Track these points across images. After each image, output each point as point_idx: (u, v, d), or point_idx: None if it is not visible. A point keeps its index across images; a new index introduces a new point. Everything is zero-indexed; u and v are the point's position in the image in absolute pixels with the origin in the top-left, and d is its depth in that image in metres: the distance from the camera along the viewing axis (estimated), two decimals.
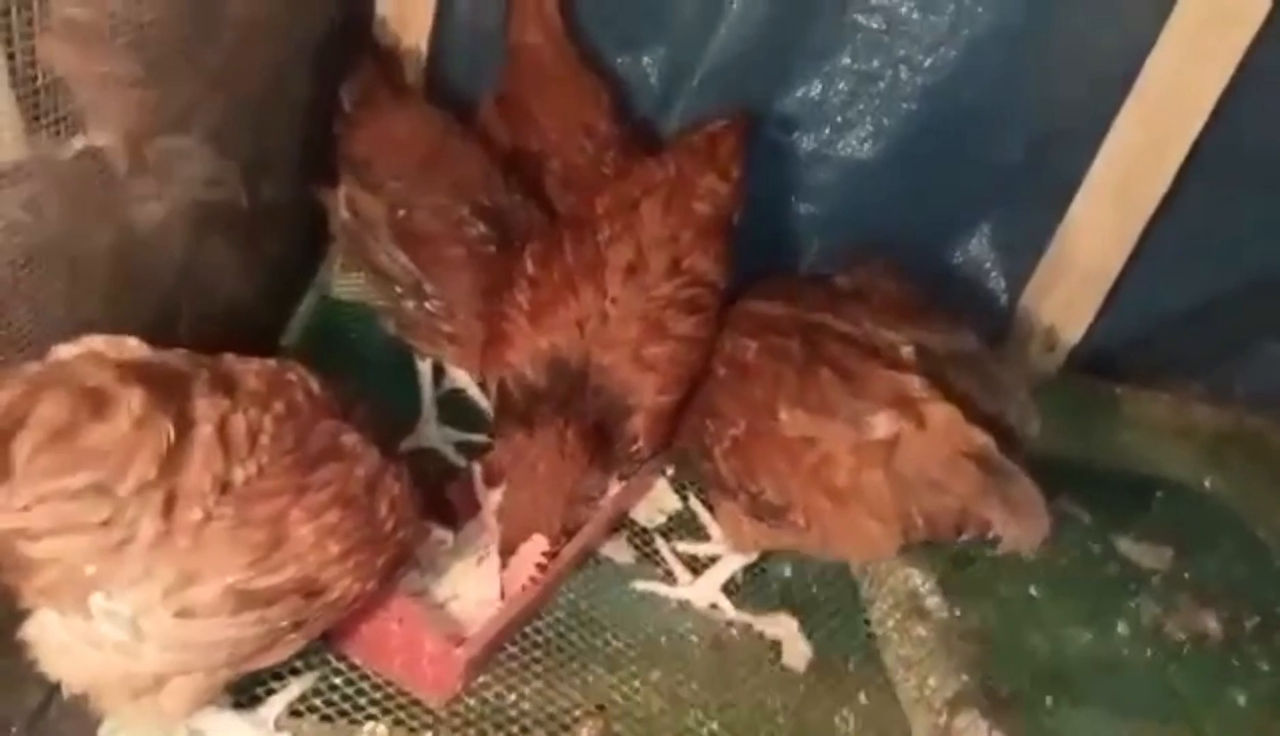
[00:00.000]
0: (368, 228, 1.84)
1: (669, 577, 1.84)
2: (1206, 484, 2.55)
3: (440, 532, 1.45)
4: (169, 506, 1.06)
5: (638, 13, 2.33)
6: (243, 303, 1.85)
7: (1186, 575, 2.21)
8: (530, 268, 1.69)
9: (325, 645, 1.46)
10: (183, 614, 1.08)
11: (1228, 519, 2.46)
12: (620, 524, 1.90)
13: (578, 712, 1.51)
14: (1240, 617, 2.13)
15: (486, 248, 1.79)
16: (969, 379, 1.66)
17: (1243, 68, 2.28)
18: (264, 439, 1.16)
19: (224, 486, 1.11)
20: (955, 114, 2.40)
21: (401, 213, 1.80)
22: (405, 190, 1.82)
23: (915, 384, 1.51)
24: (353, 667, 1.46)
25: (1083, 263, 2.52)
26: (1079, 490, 2.36)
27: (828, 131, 2.45)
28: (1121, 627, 2.02)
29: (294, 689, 1.39)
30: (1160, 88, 2.33)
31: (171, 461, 1.05)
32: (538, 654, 1.60)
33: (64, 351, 1.08)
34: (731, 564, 1.84)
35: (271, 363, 1.26)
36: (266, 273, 1.94)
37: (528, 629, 1.63)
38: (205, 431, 1.10)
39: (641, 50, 2.38)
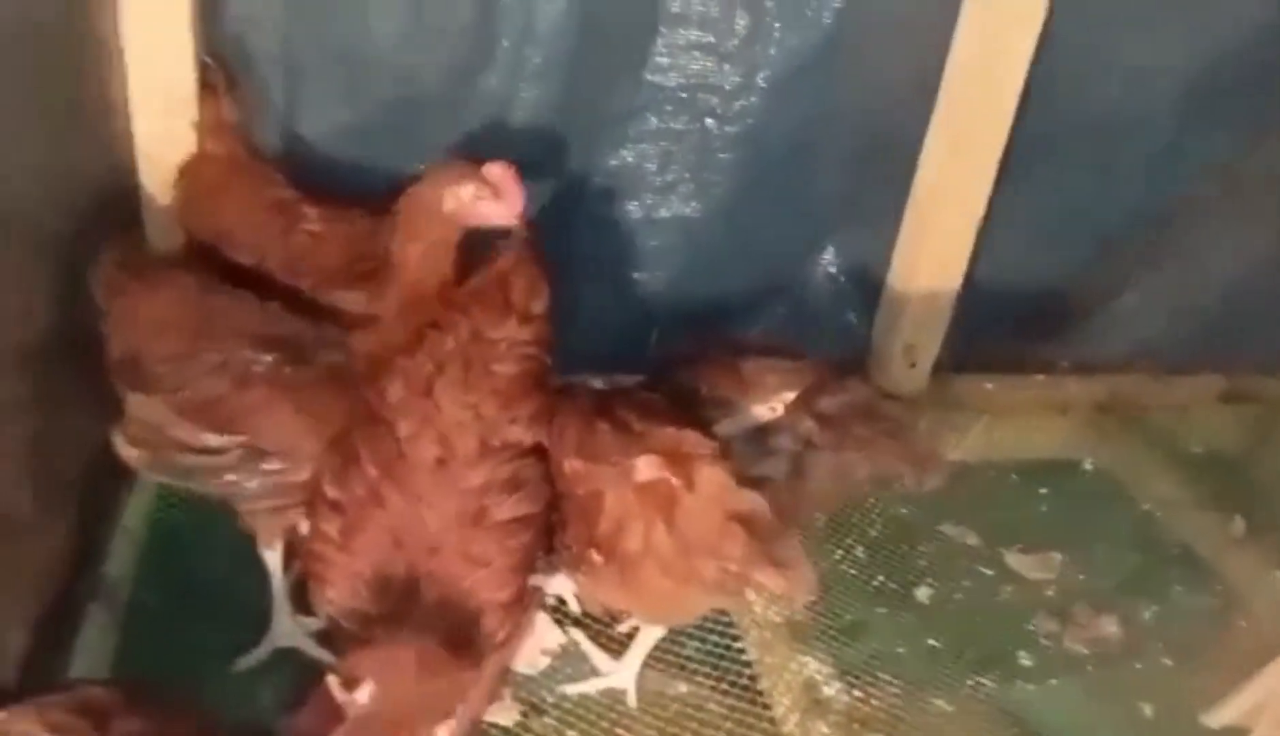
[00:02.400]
0: (161, 435, 1.71)
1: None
2: (1088, 465, 2.57)
3: None
4: None
5: (426, 114, 2.20)
6: (48, 534, 1.71)
7: (1080, 577, 2.22)
8: (330, 491, 1.56)
9: None
10: None
11: (1114, 498, 2.49)
12: (504, 683, 1.81)
13: None
14: (1138, 612, 2.15)
15: (284, 370, 1.68)
16: (870, 427, 1.78)
17: (1042, 42, 2.26)
18: None
19: None
20: (773, 154, 2.34)
21: (185, 392, 1.67)
22: (177, 369, 1.68)
23: (691, 439, 1.55)
24: None
25: (926, 271, 2.49)
26: (963, 506, 2.36)
27: (650, 197, 2.36)
28: (1024, 659, 2.01)
29: None
30: (965, 82, 2.30)
31: None
32: None
33: None
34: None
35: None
36: (69, 494, 1.80)
37: None
38: None
39: (439, 152, 2.26)
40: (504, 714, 1.77)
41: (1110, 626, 2.10)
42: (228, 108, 2.05)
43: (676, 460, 1.51)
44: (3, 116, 1.53)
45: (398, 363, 1.63)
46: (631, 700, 1.82)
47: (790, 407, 1.71)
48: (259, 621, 1.82)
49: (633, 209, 2.38)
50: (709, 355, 1.84)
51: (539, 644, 1.90)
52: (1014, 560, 2.23)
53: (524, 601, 1.61)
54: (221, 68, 2.05)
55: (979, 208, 2.41)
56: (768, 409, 1.72)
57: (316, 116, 2.15)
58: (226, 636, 1.80)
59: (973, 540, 2.27)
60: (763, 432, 1.73)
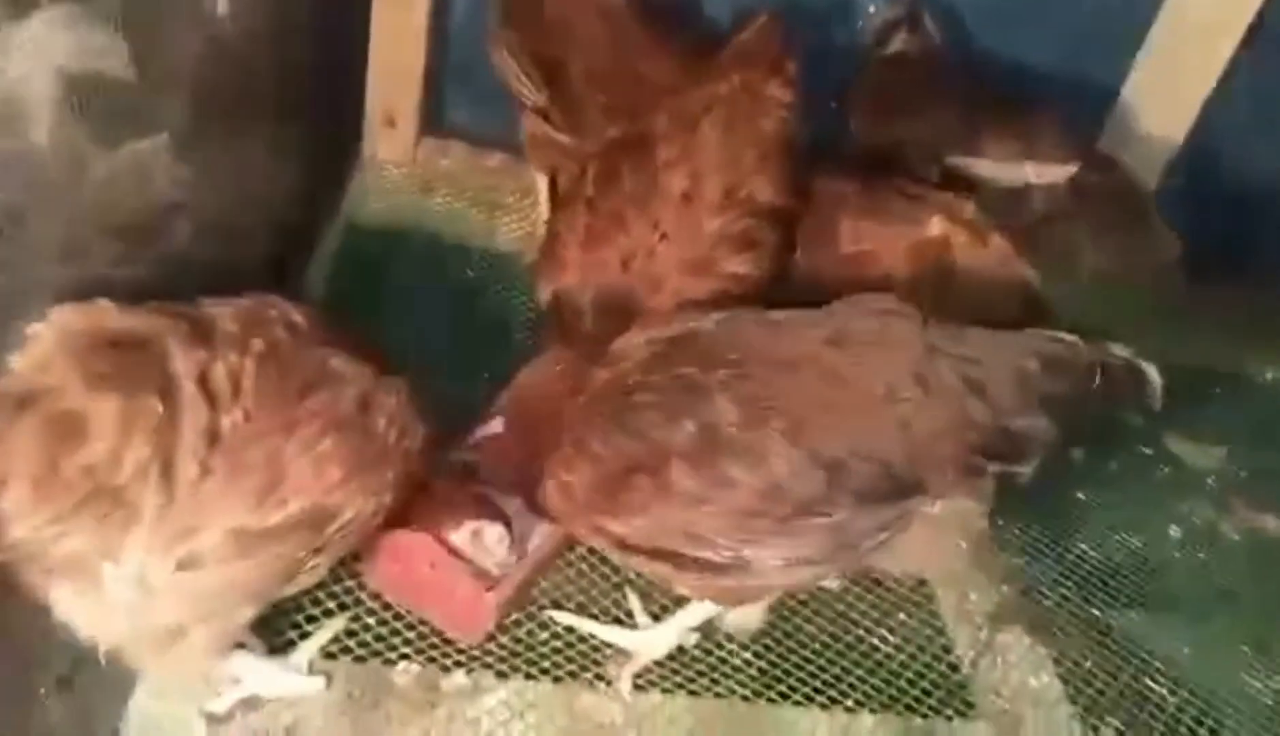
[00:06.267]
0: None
1: None
2: (1268, 376, 2.45)
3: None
4: (166, 472, 1.06)
5: None
6: (256, 233, 1.82)
7: (1242, 474, 2.13)
8: (589, 189, 1.63)
9: (357, 587, 1.47)
10: (186, 566, 1.08)
11: None
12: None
13: (609, 651, 1.51)
14: None
15: None
16: (1120, 212, 1.91)
17: None
18: (246, 382, 1.13)
19: (214, 437, 1.10)
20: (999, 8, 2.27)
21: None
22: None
23: (970, 208, 1.66)
24: (385, 608, 1.46)
25: (1136, 152, 2.38)
26: None
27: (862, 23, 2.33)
28: (1174, 531, 1.97)
29: (326, 632, 1.40)
30: None
31: (162, 431, 1.05)
32: (570, 589, 1.59)
33: (29, 352, 1.05)
34: None
35: (248, 301, 1.23)
36: (284, 199, 1.92)
37: (560, 562, 1.61)
38: (188, 390, 1.08)
39: None
40: None
41: (1270, 520, 2.03)
42: None
43: (962, 222, 1.60)
44: None
45: (666, 102, 1.66)
46: None
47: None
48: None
49: (840, 38, 2.34)
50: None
51: None
52: (1176, 445, 2.16)
53: None
54: None
55: (1210, 82, 2.30)
56: (1034, 173, 1.77)
57: None
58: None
59: (1138, 420, 2.20)
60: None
